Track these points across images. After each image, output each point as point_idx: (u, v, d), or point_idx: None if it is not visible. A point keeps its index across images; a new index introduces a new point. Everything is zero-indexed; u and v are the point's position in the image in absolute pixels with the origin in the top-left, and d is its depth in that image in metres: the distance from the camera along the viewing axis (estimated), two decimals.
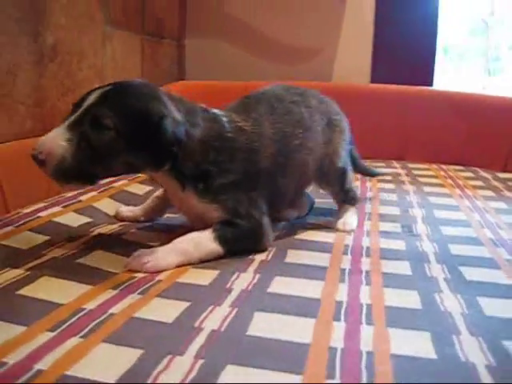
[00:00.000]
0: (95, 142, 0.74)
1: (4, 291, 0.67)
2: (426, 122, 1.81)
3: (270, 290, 0.72)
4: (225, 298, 0.69)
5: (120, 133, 0.75)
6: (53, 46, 1.21)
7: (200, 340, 0.57)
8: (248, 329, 0.60)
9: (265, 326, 0.61)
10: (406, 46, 1.92)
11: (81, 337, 0.57)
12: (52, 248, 0.84)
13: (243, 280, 0.75)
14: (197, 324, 0.61)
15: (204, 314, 0.63)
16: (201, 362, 0.53)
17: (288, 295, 0.71)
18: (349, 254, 0.89)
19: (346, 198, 1.09)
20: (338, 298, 0.70)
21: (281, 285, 0.74)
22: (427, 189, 1.41)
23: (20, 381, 0.48)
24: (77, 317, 0.61)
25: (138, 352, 0.54)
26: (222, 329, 0.60)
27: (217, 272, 0.78)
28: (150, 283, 0.73)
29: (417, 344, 0.59)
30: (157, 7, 1.79)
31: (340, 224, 1.04)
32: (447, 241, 0.97)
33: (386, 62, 1.93)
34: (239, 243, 0.85)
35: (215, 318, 0.63)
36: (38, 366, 0.51)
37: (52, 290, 0.69)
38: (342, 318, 0.64)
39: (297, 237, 0.98)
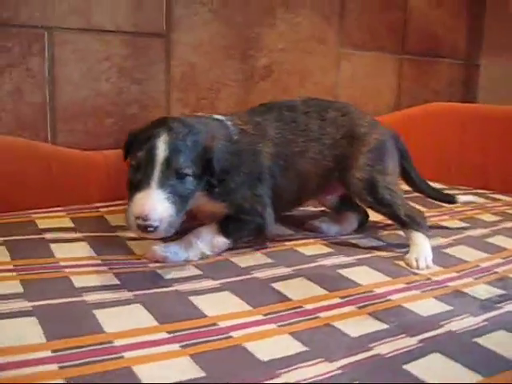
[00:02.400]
0: (184, 191, 0.83)
1: (460, 335, 0.71)
2: None
3: None
4: None
5: (195, 175, 0.85)
6: (265, 66, 1.42)
7: None
8: None
9: None
10: None
11: None
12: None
13: None
14: None
15: None
16: None
17: None
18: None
19: (400, 218, 1.01)
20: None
21: None
22: None
23: None
24: None
25: None
26: None
27: None
28: None
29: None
30: (431, 27, 1.73)
31: (411, 259, 0.96)
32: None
33: None
34: (241, 233, 0.96)
35: None
36: None
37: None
38: None
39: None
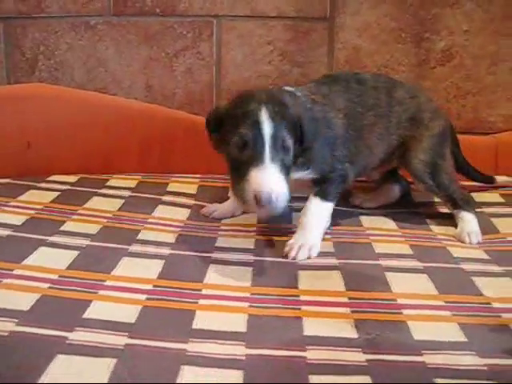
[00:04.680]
0: (288, 163, 0.85)
1: (425, 370, 0.63)
2: None
3: None
4: None
5: (293, 146, 0.86)
6: (444, 50, 1.30)
7: None
8: None
9: None
10: None
11: None
12: None
13: None
14: None
15: None
16: None
17: None
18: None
19: (455, 201, 1.05)
20: None
21: None
22: None
23: None
24: None
25: None
26: None
27: None
28: None
29: None
30: None
31: (464, 234, 1.00)
32: None
33: None
34: (335, 189, 0.98)
35: None
36: None
37: None
38: None
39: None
